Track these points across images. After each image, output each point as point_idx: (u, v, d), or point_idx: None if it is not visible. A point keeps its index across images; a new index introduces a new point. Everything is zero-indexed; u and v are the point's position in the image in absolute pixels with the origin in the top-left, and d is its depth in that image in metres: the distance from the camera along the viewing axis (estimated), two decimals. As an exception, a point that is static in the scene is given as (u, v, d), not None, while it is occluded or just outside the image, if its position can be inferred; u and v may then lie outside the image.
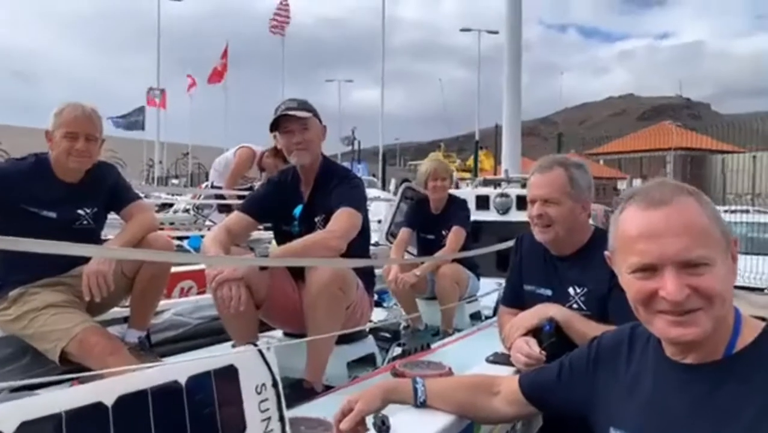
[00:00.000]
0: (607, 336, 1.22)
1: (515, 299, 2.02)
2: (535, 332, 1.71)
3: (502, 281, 4.19)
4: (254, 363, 1.16)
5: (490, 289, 3.86)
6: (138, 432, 0.90)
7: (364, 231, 2.35)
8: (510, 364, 1.73)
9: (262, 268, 2.05)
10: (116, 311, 2.45)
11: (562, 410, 1.26)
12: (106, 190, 2.32)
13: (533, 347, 1.64)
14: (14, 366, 2.13)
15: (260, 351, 1.17)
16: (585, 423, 1.19)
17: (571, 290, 1.83)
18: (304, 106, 2.32)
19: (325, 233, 2.11)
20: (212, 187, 5.66)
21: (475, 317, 3.61)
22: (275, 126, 2.31)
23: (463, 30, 30.32)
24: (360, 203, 2.27)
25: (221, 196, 5.42)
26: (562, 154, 2.11)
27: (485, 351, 2.70)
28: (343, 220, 2.14)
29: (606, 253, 1.15)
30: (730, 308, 0.99)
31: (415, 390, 1.34)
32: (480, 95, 27.49)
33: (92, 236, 2.30)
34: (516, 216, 4.60)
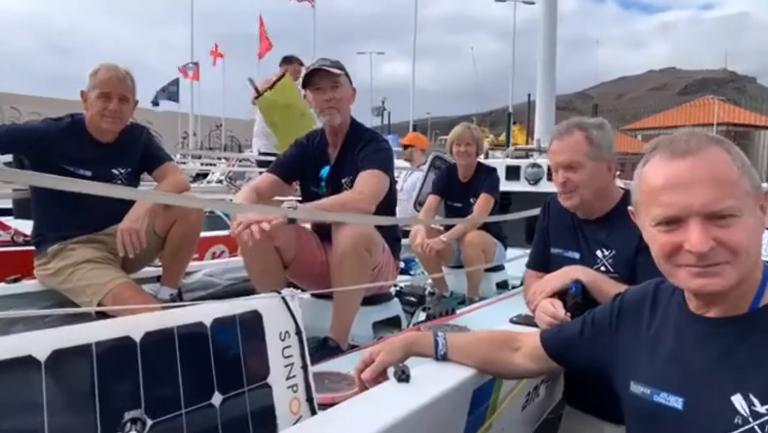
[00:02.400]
0: (630, 292, 1.21)
1: (542, 262, 2.01)
2: (561, 294, 1.70)
3: (528, 251, 4.21)
4: (278, 311, 1.18)
5: (518, 259, 3.84)
6: (164, 368, 0.93)
7: (390, 194, 2.35)
8: (534, 325, 1.72)
9: (290, 223, 2.07)
10: (149, 271, 2.52)
11: (584, 367, 1.25)
12: (139, 151, 2.38)
13: (558, 308, 1.63)
14: (54, 318, 2.22)
15: (284, 299, 1.19)
16: (606, 381, 1.18)
17: (598, 253, 1.81)
18: (336, 64, 2.32)
19: (353, 194, 2.12)
20: (260, 154, 5.68)
21: (502, 286, 3.60)
22: (306, 83, 2.32)
23: (498, 0, 29.55)
24: (387, 165, 2.27)
25: (264, 164, 5.46)
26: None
27: (508, 316, 2.70)
28: (370, 182, 2.14)
29: (629, 208, 1.13)
30: (758, 261, 0.96)
31: (436, 343, 1.35)
32: (514, 69, 26.90)
33: (126, 196, 2.36)
34: (547, 187, 4.53)
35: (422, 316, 2.71)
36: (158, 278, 2.47)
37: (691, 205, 0.93)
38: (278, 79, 4.75)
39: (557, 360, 1.27)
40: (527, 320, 1.79)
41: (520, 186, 4.60)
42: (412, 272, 3.82)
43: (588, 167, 1.79)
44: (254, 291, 2.38)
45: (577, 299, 1.66)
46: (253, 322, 1.11)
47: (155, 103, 27.33)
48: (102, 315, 2.09)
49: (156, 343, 0.92)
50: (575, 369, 1.31)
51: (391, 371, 1.27)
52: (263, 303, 1.15)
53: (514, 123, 18.76)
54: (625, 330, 1.15)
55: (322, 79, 2.27)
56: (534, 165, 4.56)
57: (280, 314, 1.18)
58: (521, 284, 3.75)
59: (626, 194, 1.86)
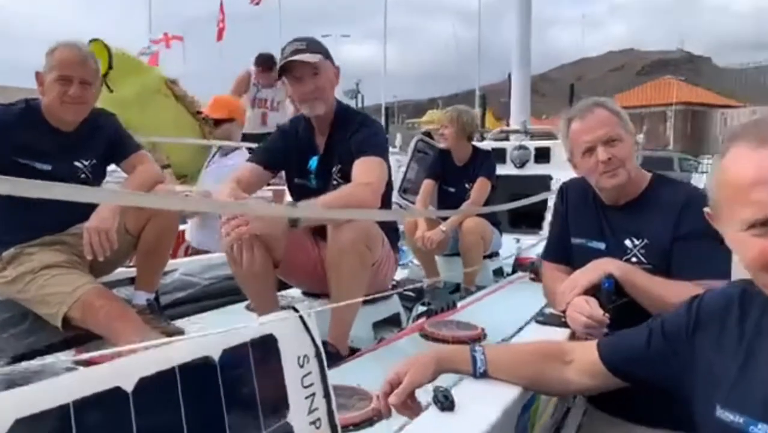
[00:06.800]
0: (710, 297, 1.04)
1: (560, 253, 1.84)
2: (593, 291, 1.54)
3: (519, 237, 4.09)
4: (295, 332, 0.98)
5: (507, 245, 3.71)
6: (165, 420, 0.72)
7: (388, 183, 2.15)
8: (564, 325, 1.56)
9: (293, 227, 1.83)
10: (121, 272, 2.28)
11: (652, 383, 1.08)
12: (105, 140, 2.11)
13: (594, 307, 1.47)
14: (14, 331, 1.96)
15: (302, 318, 0.99)
16: (681, 399, 1.01)
17: (628, 242, 1.65)
18: (313, 46, 2.03)
19: (359, 185, 1.90)
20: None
21: (498, 273, 3.47)
22: (282, 72, 2.06)
23: (462, -19, 29.32)
24: (385, 150, 2.06)
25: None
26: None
27: (515, 309, 2.54)
28: (373, 170, 1.93)
29: (705, 210, 0.96)
30: None
31: (474, 359, 1.17)
32: (480, 51, 26.83)
33: (91, 191, 2.10)
34: (533, 169, 4.42)
35: (422, 310, 2.55)
36: (131, 280, 2.23)
37: None
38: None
39: (619, 376, 1.10)
40: (555, 320, 1.63)
41: (506, 169, 4.46)
42: (401, 261, 3.64)
43: (627, 140, 1.63)
44: (237, 289, 2.18)
45: (612, 296, 1.50)
46: (267, 348, 0.90)
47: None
48: (69, 328, 1.86)
49: (153, 389, 0.71)
50: (641, 385, 1.14)
51: (429, 394, 1.08)
52: (277, 324, 0.94)
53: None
54: (705, 342, 0.98)
55: (300, 68, 1.99)
56: (521, 147, 4.42)
57: (298, 335, 0.98)
58: (514, 271, 3.64)
59: (655, 177, 1.71)
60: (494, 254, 3.44)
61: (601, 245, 1.71)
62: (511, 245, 3.85)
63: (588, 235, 1.76)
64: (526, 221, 4.05)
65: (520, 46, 7.07)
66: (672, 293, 1.48)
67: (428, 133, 4.47)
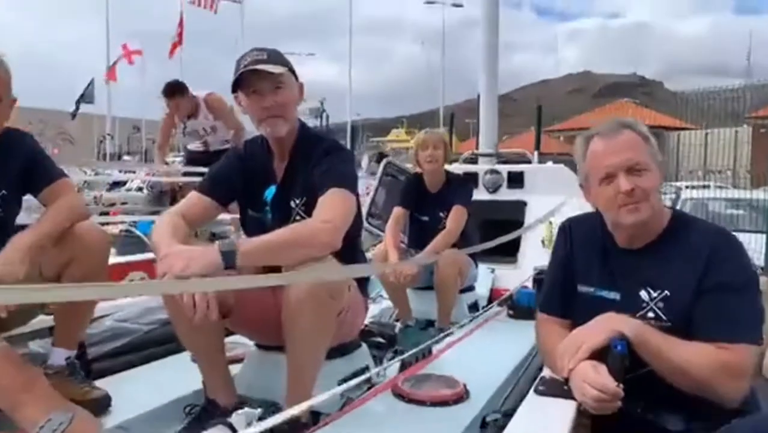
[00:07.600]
0: None
1: (562, 306, 1.56)
2: (601, 354, 1.28)
3: (494, 267, 3.85)
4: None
5: (481, 274, 3.47)
6: None
7: (357, 217, 1.88)
8: (568, 396, 1.30)
9: (228, 267, 1.53)
10: (39, 321, 1.92)
11: None
12: (18, 165, 1.76)
13: (604, 375, 1.22)
14: None
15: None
16: None
17: (643, 294, 1.40)
18: (275, 58, 1.77)
19: (316, 223, 1.62)
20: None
21: (473, 308, 3.22)
22: (238, 85, 1.78)
23: (427, 2, 29.88)
24: (353, 182, 1.79)
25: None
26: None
27: (496, 356, 2.30)
28: (336, 206, 1.65)
29: None
30: None
31: None
32: (444, 72, 27.09)
33: (2, 226, 1.75)
34: (507, 195, 4.22)
35: (391, 356, 2.27)
36: (51, 330, 1.87)
37: None
38: None
39: None
40: (558, 390, 1.35)
41: (479, 194, 4.24)
42: (371, 297, 3.35)
43: (653, 171, 1.39)
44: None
45: (625, 361, 1.25)
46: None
47: (74, 114, 25.82)
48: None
49: None
50: None
51: None
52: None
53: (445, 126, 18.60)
54: None
55: (260, 79, 1.73)
56: (493, 171, 4.21)
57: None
58: (489, 302, 3.40)
59: (676, 215, 1.46)
60: (469, 288, 3.19)
61: (616, 295, 1.45)
62: (485, 274, 3.62)
63: (598, 282, 1.49)
64: (500, 249, 3.82)
65: (487, 68, 6.92)
66: (693, 359, 1.25)
67: (383, 155, 4.24)
